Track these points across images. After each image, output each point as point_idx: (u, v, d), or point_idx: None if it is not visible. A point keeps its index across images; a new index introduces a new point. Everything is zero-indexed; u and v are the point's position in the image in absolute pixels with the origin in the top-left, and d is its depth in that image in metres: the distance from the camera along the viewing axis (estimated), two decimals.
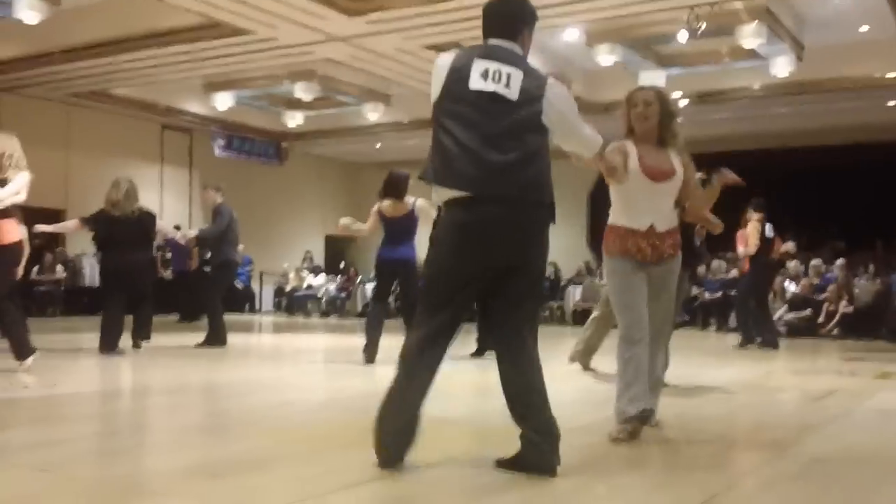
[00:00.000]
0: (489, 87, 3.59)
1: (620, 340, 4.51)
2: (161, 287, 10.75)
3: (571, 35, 14.46)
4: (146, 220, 9.56)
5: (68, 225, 9.85)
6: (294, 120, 20.19)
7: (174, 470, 3.77)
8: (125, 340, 9.14)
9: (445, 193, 3.61)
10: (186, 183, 21.23)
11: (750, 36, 13.05)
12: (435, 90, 3.69)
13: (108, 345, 8.94)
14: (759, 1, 12.41)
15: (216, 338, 10.20)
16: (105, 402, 6.24)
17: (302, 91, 17.17)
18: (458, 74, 3.64)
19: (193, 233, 11.47)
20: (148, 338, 9.54)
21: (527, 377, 3.60)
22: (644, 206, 4.52)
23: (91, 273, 17.98)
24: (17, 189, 6.95)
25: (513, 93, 3.59)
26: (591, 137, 3.87)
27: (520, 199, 3.54)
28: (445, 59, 3.72)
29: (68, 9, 13.14)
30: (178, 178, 21.24)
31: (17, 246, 7.21)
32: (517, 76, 3.62)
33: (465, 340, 7.81)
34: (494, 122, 3.56)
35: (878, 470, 4.09)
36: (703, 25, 12.47)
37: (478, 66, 3.63)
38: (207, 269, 12.92)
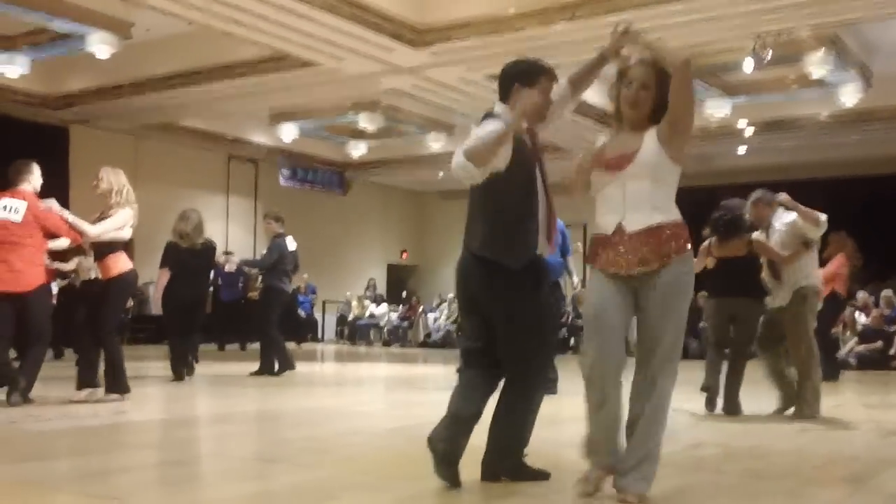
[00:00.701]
0: None
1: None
2: (210, 316, 10.93)
3: None
4: (209, 252, 9.80)
5: (163, 280, 9.61)
6: (358, 150, 20.32)
7: (238, 499, 3.78)
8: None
9: None
10: (252, 213, 21.46)
11: (817, 64, 12.85)
12: None
13: (180, 374, 9.42)
14: (827, 29, 12.20)
15: (274, 364, 10.24)
16: (171, 430, 6.30)
17: (366, 121, 17.29)
18: None
19: (235, 263, 11.68)
20: (193, 364, 9.69)
21: (499, 404, 4.04)
22: (608, 205, 3.69)
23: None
24: (118, 225, 7.09)
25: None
26: (457, 154, 3.74)
27: (470, 251, 3.96)
28: None
29: (138, 43, 13.41)
30: (244, 207, 21.54)
31: (127, 276, 7.32)
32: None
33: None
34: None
35: None
36: (770, 54, 12.33)
37: None
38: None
